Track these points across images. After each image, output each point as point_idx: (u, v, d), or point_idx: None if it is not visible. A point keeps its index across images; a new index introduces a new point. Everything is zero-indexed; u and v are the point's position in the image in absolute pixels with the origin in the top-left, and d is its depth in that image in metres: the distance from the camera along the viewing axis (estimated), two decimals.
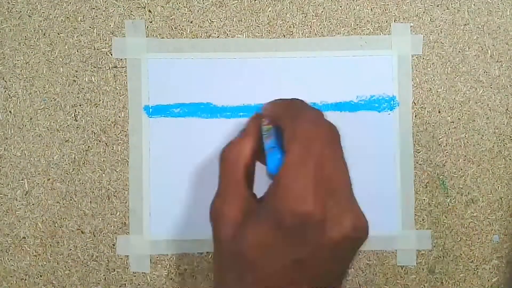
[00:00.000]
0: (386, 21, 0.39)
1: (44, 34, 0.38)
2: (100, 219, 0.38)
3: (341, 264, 0.26)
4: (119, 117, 0.38)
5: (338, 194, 0.25)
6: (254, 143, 0.29)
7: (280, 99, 0.31)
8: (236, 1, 0.38)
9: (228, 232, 0.26)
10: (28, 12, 0.38)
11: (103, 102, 0.38)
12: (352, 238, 0.24)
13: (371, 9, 0.39)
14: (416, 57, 0.39)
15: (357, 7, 0.38)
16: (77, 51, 0.38)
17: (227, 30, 0.38)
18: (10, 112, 0.38)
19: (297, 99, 0.30)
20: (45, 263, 0.38)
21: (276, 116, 0.29)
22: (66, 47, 0.38)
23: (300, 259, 0.24)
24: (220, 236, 0.27)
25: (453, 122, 0.39)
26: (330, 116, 0.37)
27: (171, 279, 0.38)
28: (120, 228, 0.38)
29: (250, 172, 0.28)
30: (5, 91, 0.38)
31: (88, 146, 0.38)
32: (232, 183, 0.28)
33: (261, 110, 0.31)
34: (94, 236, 0.38)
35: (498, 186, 0.39)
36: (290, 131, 0.26)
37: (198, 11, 0.38)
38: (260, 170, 0.29)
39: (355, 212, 0.25)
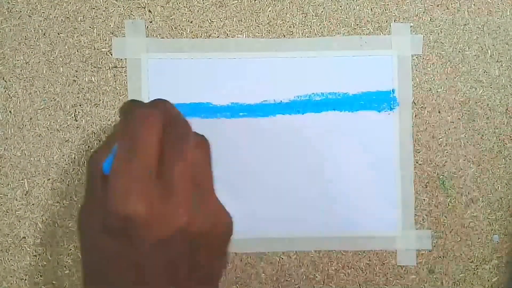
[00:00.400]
0: (386, 21, 0.39)
1: (44, 34, 0.38)
2: None
3: (181, 263, 0.24)
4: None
5: (173, 190, 0.23)
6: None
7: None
8: (236, 1, 0.38)
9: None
10: (28, 12, 0.38)
11: (103, 102, 0.38)
12: (182, 232, 0.23)
13: (371, 9, 0.38)
14: (416, 57, 0.39)
15: (357, 7, 0.38)
16: (77, 51, 0.38)
17: (227, 30, 0.38)
18: (10, 112, 0.38)
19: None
20: (45, 263, 0.38)
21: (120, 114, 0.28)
22: (66, 47, 0.38)
23: (136, 262, 0.23)
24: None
25: (453, 122, 0.39)
26: (330, 116, 0.38)
27: None
28: None
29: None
30: (5, 91, 0.38)
31: (88, 146, 0.38)
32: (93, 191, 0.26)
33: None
34: None
35: (498, 186, 0.39)
36: (120, 128, 0.25)
37: (198, 11, 0.38)
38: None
39: (177, 208, 0.23)
